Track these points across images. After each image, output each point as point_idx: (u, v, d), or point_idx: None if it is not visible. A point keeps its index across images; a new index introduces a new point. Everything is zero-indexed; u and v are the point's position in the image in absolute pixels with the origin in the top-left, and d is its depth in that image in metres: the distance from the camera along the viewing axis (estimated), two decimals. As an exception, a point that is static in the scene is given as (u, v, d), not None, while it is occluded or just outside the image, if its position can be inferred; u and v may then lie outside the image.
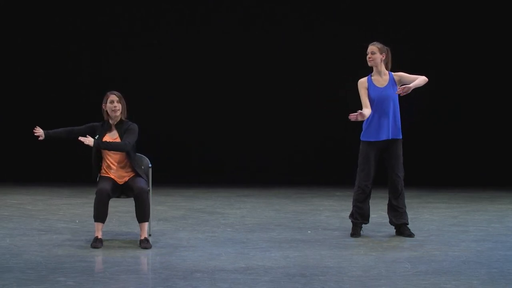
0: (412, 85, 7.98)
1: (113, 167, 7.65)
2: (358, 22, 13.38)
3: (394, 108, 8.07)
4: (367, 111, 7.91)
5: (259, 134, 13.64)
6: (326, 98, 13.44)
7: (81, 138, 7.47)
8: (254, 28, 13.68)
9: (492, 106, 13.61)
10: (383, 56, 8.10)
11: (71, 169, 13.10)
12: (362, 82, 8.11)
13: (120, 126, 7.71)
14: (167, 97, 13.53)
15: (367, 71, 8.22)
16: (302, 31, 13.67)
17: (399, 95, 8.00)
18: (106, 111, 7.72)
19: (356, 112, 7.83)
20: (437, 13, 13.49)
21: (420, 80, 8.03)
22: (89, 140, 7.45)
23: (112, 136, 7.68)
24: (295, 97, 13.65)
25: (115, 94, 7.72)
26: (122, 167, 7.68)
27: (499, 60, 13.52)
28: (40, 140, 7.85)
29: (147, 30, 13.72)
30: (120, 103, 7.71)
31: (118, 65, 13.55)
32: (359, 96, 8.09)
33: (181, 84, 13.66)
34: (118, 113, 7.69)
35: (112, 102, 7.69)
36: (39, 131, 7.78)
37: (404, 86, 7.96)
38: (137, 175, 7.64)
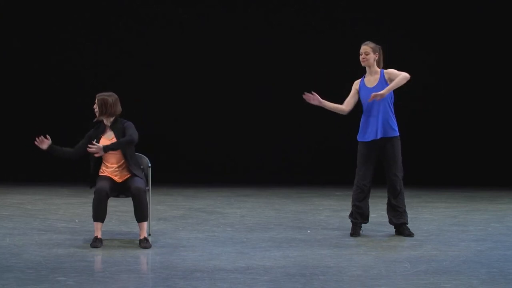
0: (386, 90, 7.93)
1: (112, 168, 7.64)
2: (358, 22, 13.38)
3: (383, 107, 8.04)
4: (336, 106, 8.25)
5: (259, 133, 13.64)
6: (326, 97, 13.43)
7: (90, 150, 7.45)
8: (253, 28, 13.68)
9: (492, 106, 13.61)
10: (376, 56, 8.14)
11: (71, 169, 13.10)
12: (356, 83, 8.29)
13: (115, 126, 7.70)
14: (167, 97, 13.54)
15: (364, 70, 8.23)
16: (301, 30, 13.67)
17: (374, 96, 8.01)
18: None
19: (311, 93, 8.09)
20: (435, 12, 13.49)
21: (399, 79, 7.93)
22: (97, 148, 7.43)
23: (108, 137, 7.67)
24: (294, 96, 13.62)
25: (97, 97, 7.70)
26: (122, 169, 7.66)
27: (499, 60, 13.52)
28: (41, 149, 7.70)
29: (145, 30, 13.72)
30: (102, 106, 7.65)
31: (118, 65, 13.54)
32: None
33: (181, 84, 13.67)
34: (97, 115, 7.69)
35: (95, 103, 7.74)
36: (44, 141, 7.63)
37: (375, 94, 7.94)
38: (133, 175, 7.62)
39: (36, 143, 7.67)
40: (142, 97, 13.08)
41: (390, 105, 8.10)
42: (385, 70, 8.16)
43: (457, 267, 6.66)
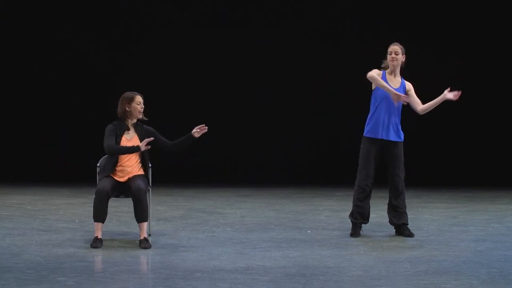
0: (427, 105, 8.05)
1: (125, 167, 7.63)
2: (358, 22, 13.38)
3: (400, 112, 8.10)
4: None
5: (259, 133, 13.64)
6: (326, 97, 13.44)
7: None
8: (253, 28, 13.68)
9: (492, 106, 13.61)
10: (403, 58, 8.12)
11: (71, 169, 13.10)
12: (376, 71, 8.03)
13: (136, 126, 7.73)
14: (167, 97, 13.53)
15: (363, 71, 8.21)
16: (301, 30, 13.67)
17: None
18: (129, 111, 7.70)
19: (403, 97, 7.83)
20: (436, 12, 13.49)
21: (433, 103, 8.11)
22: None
23: (128, 138, 7.68)
24: (294, 96, 13.65)
25: (141, 95, 7.76)
26: (133, 168, 7.67)
27: (499, 60, 13.52)
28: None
29: (145, 30, 13.72)
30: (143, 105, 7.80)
31: (118, 65, 13.54)
32: (372, 84, 8.02)
33: (181, 84, 13.66)
34: (142, 114, 7.74)
35: (139, 103, 7.71)
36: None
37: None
38: (139, 175, 7.64)
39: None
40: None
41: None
42: (407, 82, 8.15)
43: (457, 267, 6.66)
